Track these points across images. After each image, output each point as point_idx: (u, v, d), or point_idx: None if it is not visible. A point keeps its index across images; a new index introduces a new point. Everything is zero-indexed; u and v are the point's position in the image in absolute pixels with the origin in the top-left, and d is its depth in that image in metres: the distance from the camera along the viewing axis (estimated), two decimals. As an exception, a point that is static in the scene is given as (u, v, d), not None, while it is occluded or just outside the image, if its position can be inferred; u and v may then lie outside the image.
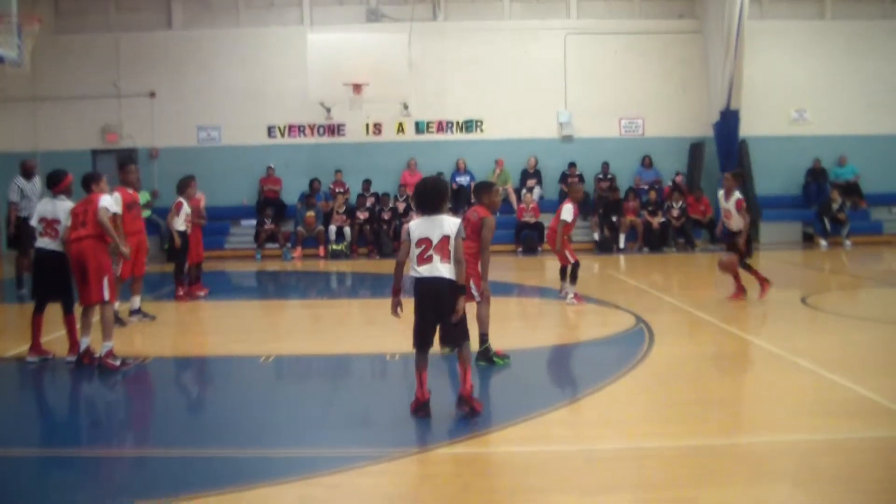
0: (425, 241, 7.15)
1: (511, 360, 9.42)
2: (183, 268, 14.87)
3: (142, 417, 8.36)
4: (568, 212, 13.28)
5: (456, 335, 7.34)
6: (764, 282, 13.53)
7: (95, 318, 9.78)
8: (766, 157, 24.93)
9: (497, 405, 7.93)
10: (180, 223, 14.46)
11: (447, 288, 7.12)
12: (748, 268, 13.65)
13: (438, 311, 7.20)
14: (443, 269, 7.09)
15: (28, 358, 9.82)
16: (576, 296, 13.53)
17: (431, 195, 7.30)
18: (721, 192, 13.89)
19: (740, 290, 13.61)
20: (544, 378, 9.44)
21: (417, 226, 7.25)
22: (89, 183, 10.03)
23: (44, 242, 9.80)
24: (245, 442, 6.91)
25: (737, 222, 13.40)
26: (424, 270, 7.13)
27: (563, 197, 24.01)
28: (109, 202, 9.79)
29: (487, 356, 9.27)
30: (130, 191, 12.45)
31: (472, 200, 9.28)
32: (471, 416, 7.27)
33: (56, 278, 9.78)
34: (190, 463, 6.42)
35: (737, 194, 13.46)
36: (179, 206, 14.48)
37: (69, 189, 10.06)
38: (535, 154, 25.00)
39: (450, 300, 7.14)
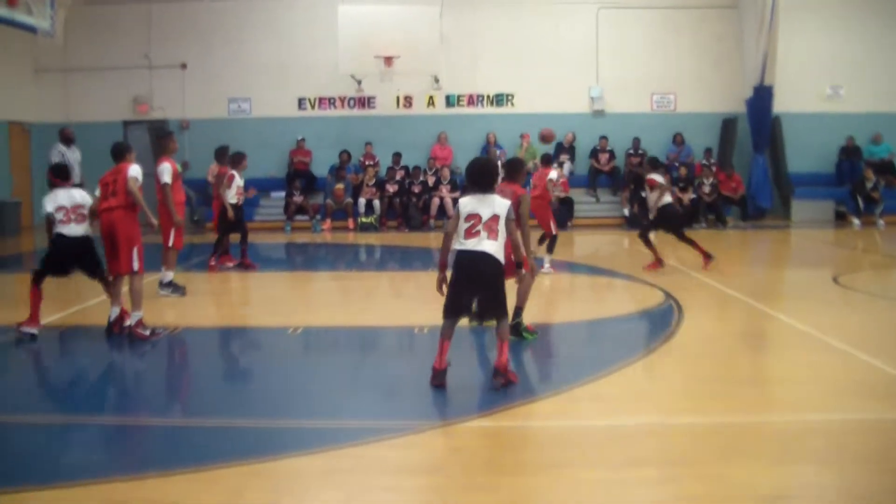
0: (475, 217, 7.37)
1: (538, 335, 9.43)
2: (223, 239, 15.03)
3: (170, 387, 8.44)
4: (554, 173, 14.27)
5: (494, 310, 7.54)
6: (706, 256, 14.39)
7: (124, 288, 9.85)
8: (799, 134, 24.61)
9: (525, 379, 7.94)
10: (232, 195, 14.64)
11: (489, 264, 7.32)
12: (689, 241, 14.47)
13: (476, 283, 7.45)
14: (488, 245, 7.30)
15: (23, 328, 9.56)
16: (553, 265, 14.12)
17: (483, 174, 7.60)
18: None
19: (657, 262, 14.33)
20: (572, 353, 9.43)
21: (468, 202, 7.49)
22: (123, 153, 10.05)
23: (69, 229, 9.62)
24: (272, 413, 6.96)
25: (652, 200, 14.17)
26: (469, 244, 7.34)
27: (592, 173, 24.04)
28: (138, 171, 9.81)
29: (518, 330, 9.23)
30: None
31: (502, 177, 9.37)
32: (506, 387, 7.33)
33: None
34: (217, 433, 6.46)
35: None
36: (231, 178, 14.71)
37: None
38: (567, 128, 24.78)
39: (490, 277, 7.36)
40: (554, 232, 13.69)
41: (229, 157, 15.10)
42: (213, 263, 14.88)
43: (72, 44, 22.75)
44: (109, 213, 9.62)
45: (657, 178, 14.10)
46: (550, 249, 14.13)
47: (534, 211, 13.48)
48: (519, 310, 9.31)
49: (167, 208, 11.96)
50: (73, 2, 18.62)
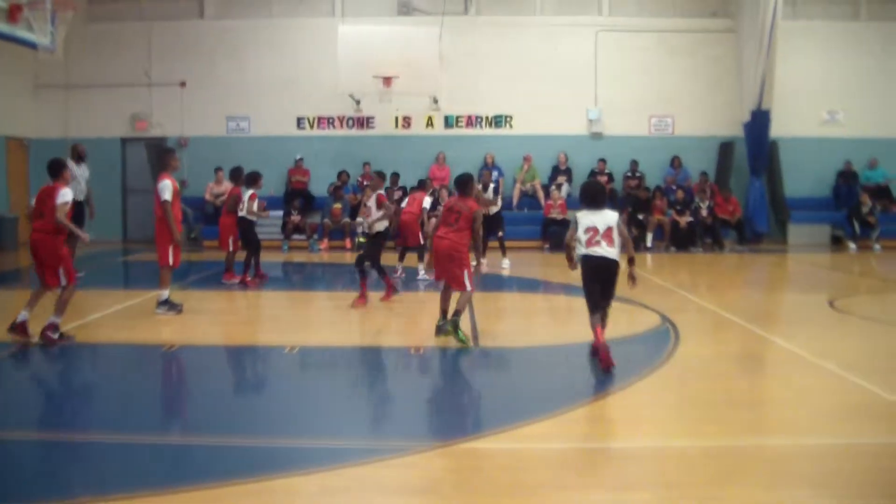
0: (592, 230, 9.00)
1: (470, 346, 10.08)
2: (252, 255, 15.45)
3: (165, 405, 8.41)
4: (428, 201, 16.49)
5: (611, 297, 9.20)
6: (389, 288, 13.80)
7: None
8: (796, 158, 24.73)
9: (521, 401, 7.94)
10: (255, 213, 15.30)
11: (610, 263, 8.96)
12: (382, 273, 13.78)
13: (601, 279, 9.02)
14: (608, 251, 8.94)
15: None
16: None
17: (597, 195, 9.28)
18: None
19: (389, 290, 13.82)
20: (569, 375, 9.42)
21: (584, 216, 9.12)
22: (57, 171, 10.23)
23: None
24: (268, 432, 6.96)
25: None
26: (592, 250, 8.96)
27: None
28: (68, 195, 10.01)
29: (454, 328, 10.12)
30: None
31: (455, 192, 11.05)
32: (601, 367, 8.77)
33: None
34: (212, 451, 6.46)
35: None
36: (254, 197, 15.22)
37: None
38: (564, 150, 24.89)
39: (611, 273, 9.02)
40: (421, 241, 14.65)
41: (247, 177, 15.36)
42: (248, 279, 15.25)
43: (72, 60, 22.80)
44: (35, 233, 9.95)
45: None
46: (421, 258, 15.97)
47: (409, 226, 15.79)
48: (458, 313, 10.17)
49: (166, 225, 11.97)
50: (74, 18, 18.67)
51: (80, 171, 16.26)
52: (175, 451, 6.59)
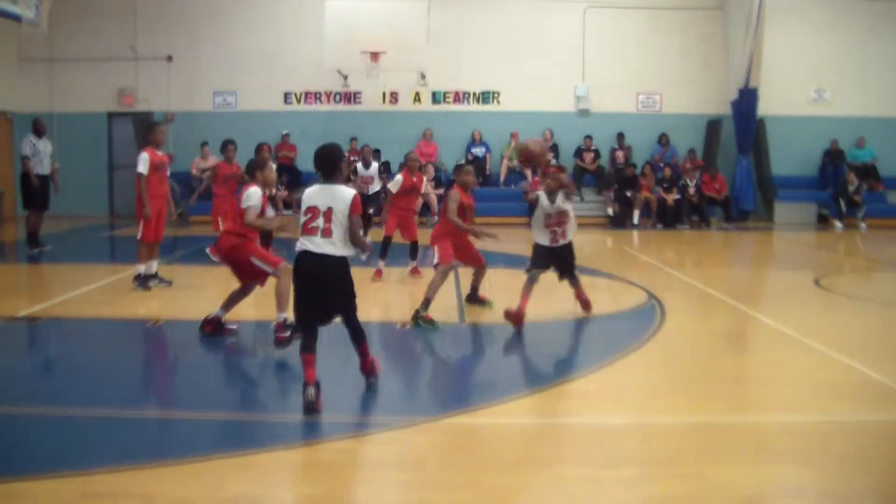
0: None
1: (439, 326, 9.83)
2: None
3: (151, 380, 8.40)
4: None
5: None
6: None
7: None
8: (783, 137, 24.74)
9: (506, 376, 7.96)
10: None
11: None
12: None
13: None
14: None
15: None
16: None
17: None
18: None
19: None
20: (554, 351, 9.43)
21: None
22: (252, 171, 9.57)
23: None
24: (254, 406, 6.97)
25: None
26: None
27: (578, 171, 24.01)
28: (252, 196, 9.22)
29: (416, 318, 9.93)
30: (160, 153, 12.36)
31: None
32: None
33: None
34: (198, 425, 6.46)
35: None
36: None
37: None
38: (551, 127, 24.76)
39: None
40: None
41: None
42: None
43: (57, 33, 22.54)
44: (223, 236, 9.50)
45: None
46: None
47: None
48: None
49: (140, 199, 11.84)
50: (59, -9, 18.54)
51: (42, 146, 16.07)
52: (159, 425, 6.58)
